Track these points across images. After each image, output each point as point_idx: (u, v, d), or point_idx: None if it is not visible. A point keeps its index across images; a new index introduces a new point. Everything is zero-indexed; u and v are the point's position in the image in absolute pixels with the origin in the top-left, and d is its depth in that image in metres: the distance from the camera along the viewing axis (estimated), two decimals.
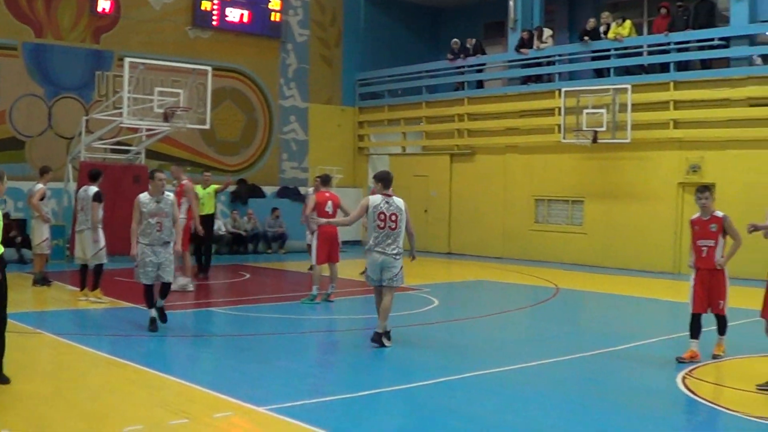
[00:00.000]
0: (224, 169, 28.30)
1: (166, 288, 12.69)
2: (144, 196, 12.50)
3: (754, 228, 10.16)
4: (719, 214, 11.09)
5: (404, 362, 11.04)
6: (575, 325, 15.00)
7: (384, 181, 11.89)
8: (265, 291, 18.90)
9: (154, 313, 12.57)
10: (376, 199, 11.72)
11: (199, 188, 18.97)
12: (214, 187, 19.65)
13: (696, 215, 11.28)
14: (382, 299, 11.75)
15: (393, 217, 11.56)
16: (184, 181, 17.28)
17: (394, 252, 11.56)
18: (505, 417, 8.51)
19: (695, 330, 11.02)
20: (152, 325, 12.43)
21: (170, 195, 12.77)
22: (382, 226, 11.54)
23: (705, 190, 11.13)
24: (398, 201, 11.76)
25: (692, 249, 11.26)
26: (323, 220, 14.04)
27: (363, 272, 20.07)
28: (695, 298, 11.04)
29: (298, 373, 10.12)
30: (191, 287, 17.07)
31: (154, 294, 12.56)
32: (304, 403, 8.56)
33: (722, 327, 11.27)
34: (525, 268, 23.44)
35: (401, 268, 11.71)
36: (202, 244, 19.66)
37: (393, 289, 11.77)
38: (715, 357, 11.15)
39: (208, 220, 19.26)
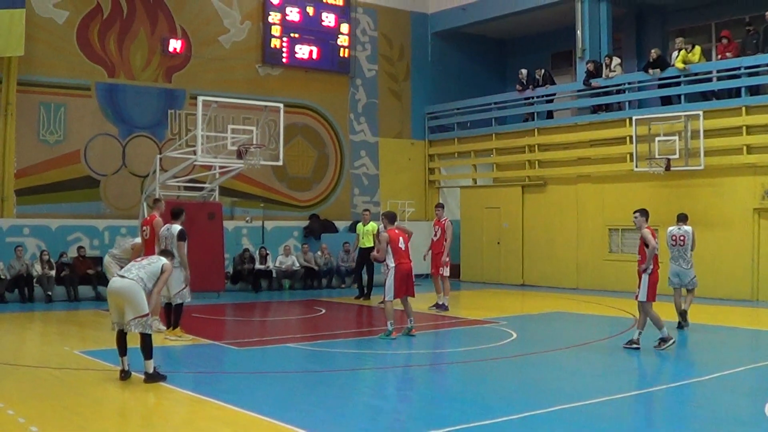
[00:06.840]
0: (296, 205, 28.52)
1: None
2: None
3: None
4: None
5: (485, 397, 10.86)
6: (657, 356, 14.65)
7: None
8: (341, 326, 18.83)
9: None
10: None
11: (359, 225, 23.56)
12: (373, 225, 22.55)
13: None
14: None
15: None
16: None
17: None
18: None
19: None
20: None
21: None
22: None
23: None
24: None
25: None
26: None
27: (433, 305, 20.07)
28: None
29: (381, 409, 10.03)
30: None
31: None
32: None
33: None
34: (601, 298, 23.08)
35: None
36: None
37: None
38: None
39: (366, 252, 22.32)
